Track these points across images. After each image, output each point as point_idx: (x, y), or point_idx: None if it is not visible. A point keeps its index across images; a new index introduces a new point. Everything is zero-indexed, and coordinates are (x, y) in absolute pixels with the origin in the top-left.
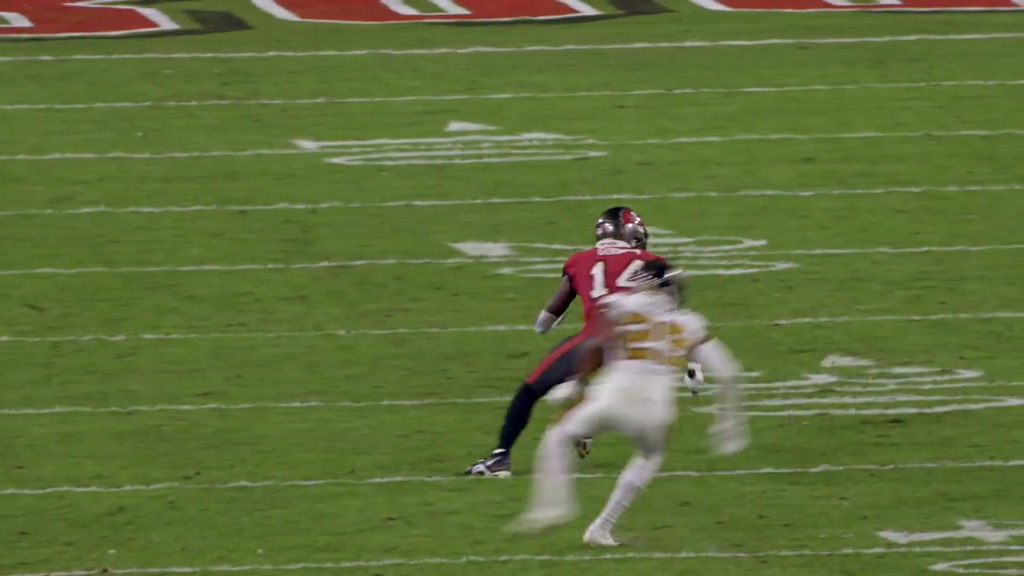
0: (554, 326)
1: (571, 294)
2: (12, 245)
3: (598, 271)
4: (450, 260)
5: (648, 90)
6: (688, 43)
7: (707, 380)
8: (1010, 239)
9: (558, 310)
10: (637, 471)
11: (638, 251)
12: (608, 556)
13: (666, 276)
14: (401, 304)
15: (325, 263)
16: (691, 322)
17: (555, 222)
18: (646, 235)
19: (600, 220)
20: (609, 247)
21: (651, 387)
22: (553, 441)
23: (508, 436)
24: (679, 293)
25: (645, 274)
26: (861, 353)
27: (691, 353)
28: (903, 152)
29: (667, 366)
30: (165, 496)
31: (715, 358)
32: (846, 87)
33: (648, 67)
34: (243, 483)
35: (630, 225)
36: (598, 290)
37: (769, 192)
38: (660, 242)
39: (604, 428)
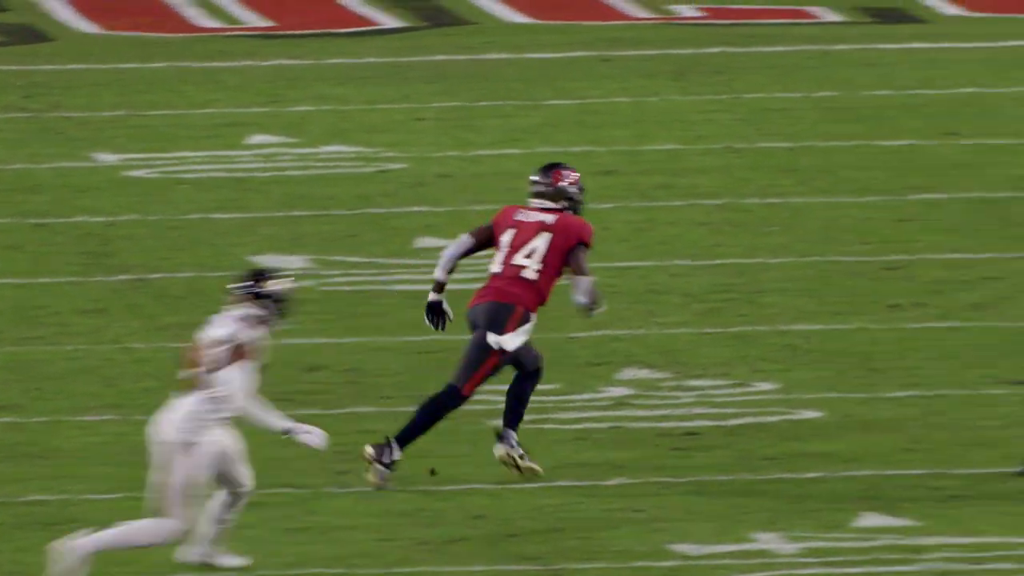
0: (458, 258)
1: (490, 242)
2: None
3: (507, 239)
4: None
5: (449, 102)
6: (490, 55)
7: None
8: (809, 252)
9: (472, 248)
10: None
11: (553, 219)
12: (397, 570)
13: (261, 288)
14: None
15: (124, 276)
16: (213, 333)
17: (355, 235)
18: (580, 193)
19: (532, 176)
20: (533, 209)
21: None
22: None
23: (411, 434)
24: (275, 308)
25: (243, 284)
26: (658, 366)
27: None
28: (704, 164)
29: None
30: None
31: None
32: (647, 99)
33: (449, 79)
34: (38, 497)
35: (561, 184)
36: (496, 265)
37: None
38: None
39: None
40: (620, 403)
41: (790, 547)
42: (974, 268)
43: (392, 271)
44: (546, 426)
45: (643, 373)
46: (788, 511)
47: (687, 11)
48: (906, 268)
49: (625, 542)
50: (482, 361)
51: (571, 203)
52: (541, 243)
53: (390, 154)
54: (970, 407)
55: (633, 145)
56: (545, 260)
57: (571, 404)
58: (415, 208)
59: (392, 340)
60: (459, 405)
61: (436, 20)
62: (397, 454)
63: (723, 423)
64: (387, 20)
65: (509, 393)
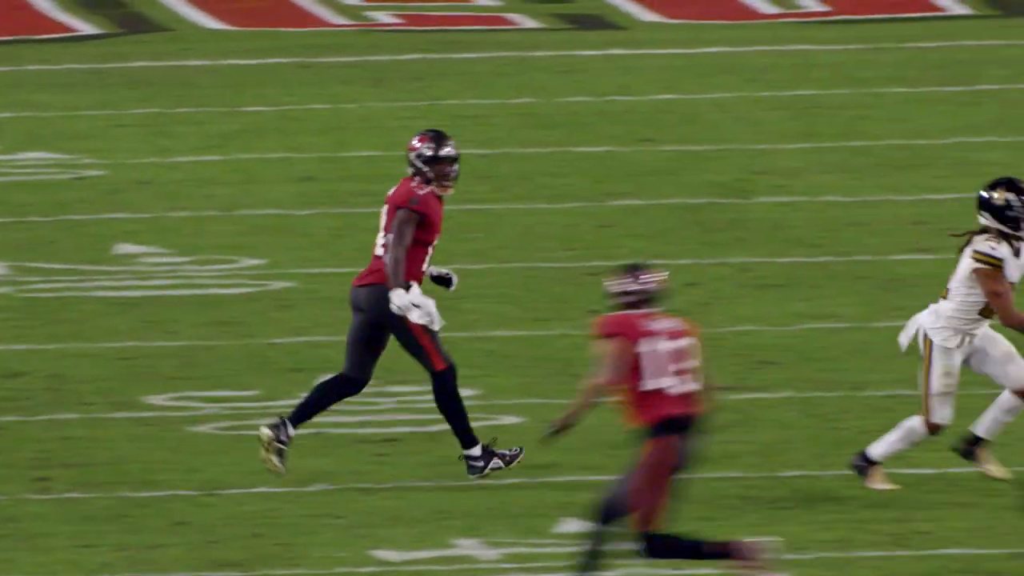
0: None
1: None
2: None
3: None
4: None
5: (148, 109)
6: (189, 62)
7: None
8: (509, 258)
9: None
10: None
11: (392, 190)
12: None
13: None
14: None
15: None
16: None
17: (53, 241)
18: (431, 162)
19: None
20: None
21: None
22: None
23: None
24: None
25: None
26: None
27: None
28: (402, 171)
29: None
30: None
31: None
32: (346, 106)
33: (149, 86)
34: None
35: (411, 153)
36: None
37: (269, 211)
38: (159, 261)
39: None
40: None
41: (491, 553)
42: (674, 274)
43: (91, 278)
44: (246, 433)
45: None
46: (489, 517)
47: (385, 18)
48: (607, 274)
49: (326, 548)
50: (414, 337)
51: (416, 171)
52: (383, 216)
53: (89, 161)
54: None
55: (332, 152)
56: (387, 232)
57: (271, 410)
58: (114, 215)
59: (92, 346)
60: (455, 378)
61: (134, 27)
62: (480, 465)
63: (424, 429)
64: (85, 27)
65: (318, 387)
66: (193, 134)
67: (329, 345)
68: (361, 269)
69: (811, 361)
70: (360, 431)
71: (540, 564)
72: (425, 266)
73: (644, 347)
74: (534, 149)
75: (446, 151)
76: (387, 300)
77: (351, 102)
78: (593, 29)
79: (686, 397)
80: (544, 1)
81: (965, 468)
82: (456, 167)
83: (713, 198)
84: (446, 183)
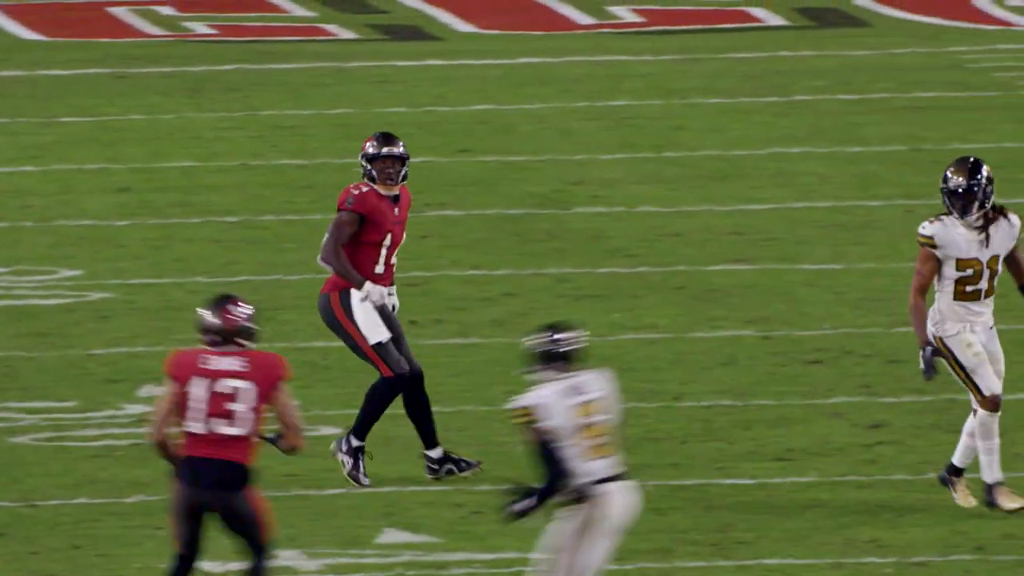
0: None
1: None
2: None
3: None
4: None
5: None
6: (5, 72)
7: None
8: (325, 269)
9: None
10: None
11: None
12: None
13: None
14: None
15: None
16: None
17: None
18: (373, 160)
19: None
20: None
21: None
22: None
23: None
24: None
25: None
26: None
27: None
28: (220, 182)
29: None
30: None
31: None
32: (163, 117)
33: None
34: None
35: (360, 155)
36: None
37: (86, 222)
38: None
39: None
40: (140, 420)
41: (312, 564)
42: (493, 285)
43: None
44: (66, 443)
45: (162, 390)
46: (309, 528)
47: (201, 28)
48: (425, 285)
49: (146, 559)
50: (358, 346)
51: (363, 171)
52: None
53: None
54: (491, 423)
55: (148, 162)
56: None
57: (91, 421)
58: None
59: None
60: (402, 386)
61: None
62: (445, 467)
63: None
64: None
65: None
66: (8, 145)
67: (147, 356)
68: (180, 280)
69: (630, 371)
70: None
71: (362, 575)
72: (379, 267)
73: (193, 387)
74: (351, 159)
75: (387, 150)
76: (327, 310)
77: (168, 113)
78: (409, 40)
79: (214, 441)
80: (360, 12)
81: (785, 478)
82: (400, 167)
83: (531, 209)
84: (389, 182)
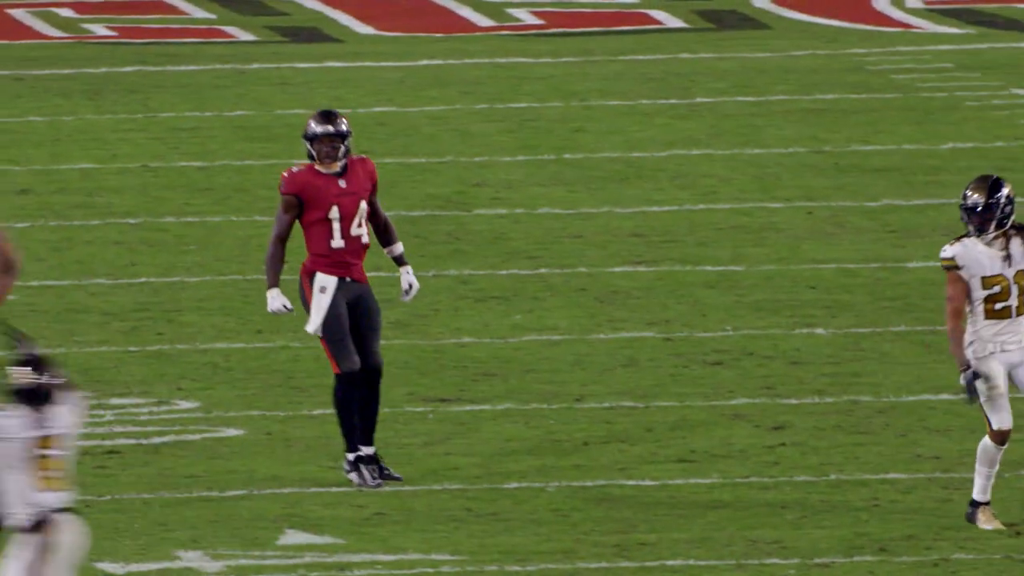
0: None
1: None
2: None
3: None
4: None
5: None
6: None
7: None
8: (226, 270)
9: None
10: None
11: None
12: None
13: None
14: None
15: None
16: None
17: None
18: (312, 140)
19: None
20: None
21: None
22: None
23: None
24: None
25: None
26: (78, 385)
27: None
28: (120, 184)
29: None
30: None
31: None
32: (63, 118)
33: None
34: None
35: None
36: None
37: None
38: None
39: None
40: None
41: (214, 565)
42: (394, 286)
43: None
44: None
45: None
46: (211, 529)
47: (100, 30)
48: None
49: None
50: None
51: (307, 152)
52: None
53: None
54: (393, 425)
55: (48, 164)
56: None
57: None
58: None
59: None
60: (349, 383)
61: None
62: (346, 469)
63: (145, 441)
64: None
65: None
66: None
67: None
68: (81, 281)
69: (531, 373)
70: (81, 443)
71: None
72: (335, 241)
73: None
74: (251, 161)
75: (322, 128)
76: (299, 295)
77: (68, 114)
78: (309, 42)
79: None
80: (260, 14)
81: (687, 479)
82: (340, 144)
83: (432, 210)
84: (327, 159)
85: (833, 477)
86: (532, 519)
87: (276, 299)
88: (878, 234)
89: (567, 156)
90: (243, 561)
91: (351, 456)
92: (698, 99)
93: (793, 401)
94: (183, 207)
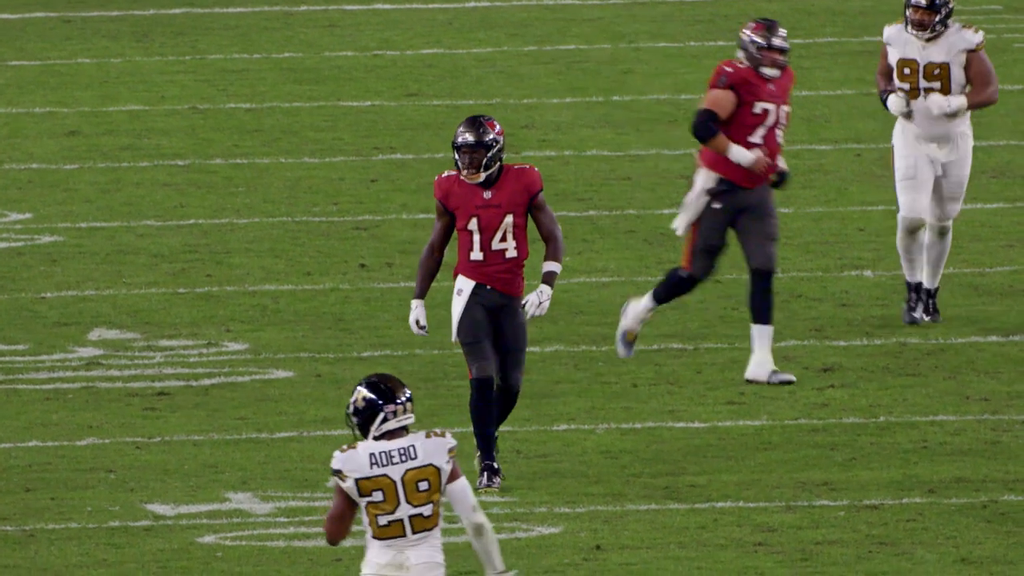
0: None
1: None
2: None
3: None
4: None
5: None
6: None
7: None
8: (275, 212)
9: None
10: None
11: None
12: None
13: None
14: None
15: None
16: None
17: None
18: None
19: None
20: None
21: None
22: None
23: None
24: None
25: None
26: (127, 326)
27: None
28: (168, 126)
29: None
30: None
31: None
32: (111, 60)
33: None
34: None
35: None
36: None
37: (34, 166)
38: None
39: None
40: (91, 363)
41: (264, 507)
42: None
43: None
44: (17, 386)
45: (112, 334)
46: (261, 471)
47: None
48: (375, 228)
49: (98, 502)
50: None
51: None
52: None
53: None
54: (442, 366)
55: (97, 106)
56: None
57: (41, 364)
58: None
59: None
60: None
61: None
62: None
63: (195, 383)
64: None
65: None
66: None
67: (97, 299)
68: (129, 223)
69: (580, 315)
70: (130, 385)
71: (313, 518)
72: (475, 253)
73: None
74: (300, 103)
75: (462, 138)
76: None
77: (116, 56)
78: None
79: None
80: None
81: (736, 421)
82: (482, 155)
83: None
84: (469, 170)
85: (882, 419)
86: (581, 461)
87: (412, 312)
88: None
89: (615, 98)
90: (293, 503)
91: (485, 461)
92: None
93: (842, 343)
94: (232, 149)
